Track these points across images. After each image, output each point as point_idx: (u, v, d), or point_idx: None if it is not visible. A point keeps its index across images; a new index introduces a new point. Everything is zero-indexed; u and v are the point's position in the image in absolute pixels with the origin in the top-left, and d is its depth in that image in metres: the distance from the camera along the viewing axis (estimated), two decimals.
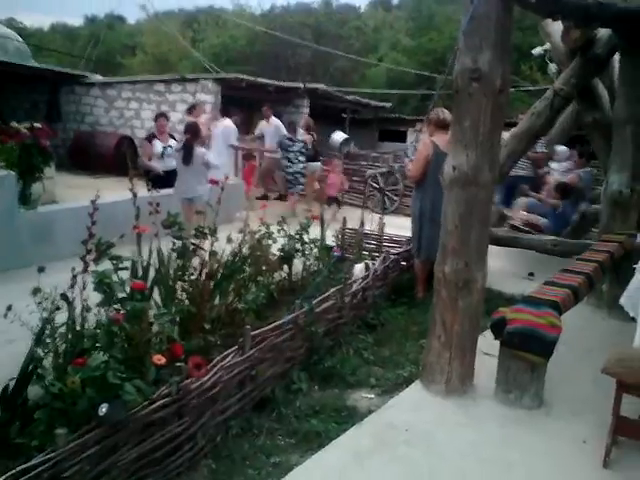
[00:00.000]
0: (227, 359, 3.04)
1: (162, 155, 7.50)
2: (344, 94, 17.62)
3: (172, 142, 7.64)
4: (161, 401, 2.59)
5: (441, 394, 3.50)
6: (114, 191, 6.57)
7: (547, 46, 7.18)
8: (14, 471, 2.06)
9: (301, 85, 15.27)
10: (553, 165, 8.69)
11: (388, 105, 20.30)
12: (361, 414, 3.25)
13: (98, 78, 14.79)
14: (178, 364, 2.79)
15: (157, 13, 27.88)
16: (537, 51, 7.79)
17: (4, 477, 2.02)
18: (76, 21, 44.28)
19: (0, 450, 2.62)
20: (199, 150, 6.48)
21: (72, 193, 8.53)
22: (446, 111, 5.10)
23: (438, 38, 26.43)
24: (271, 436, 3.01)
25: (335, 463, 2.78)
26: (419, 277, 5.32)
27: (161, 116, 7.88)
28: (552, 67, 7.32)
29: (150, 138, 7.68)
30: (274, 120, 11.06)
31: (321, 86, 16.16)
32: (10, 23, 33.67)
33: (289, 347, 3.56)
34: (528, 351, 3.34)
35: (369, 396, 3.52)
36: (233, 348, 3.13)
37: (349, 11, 34.03)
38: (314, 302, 3.83)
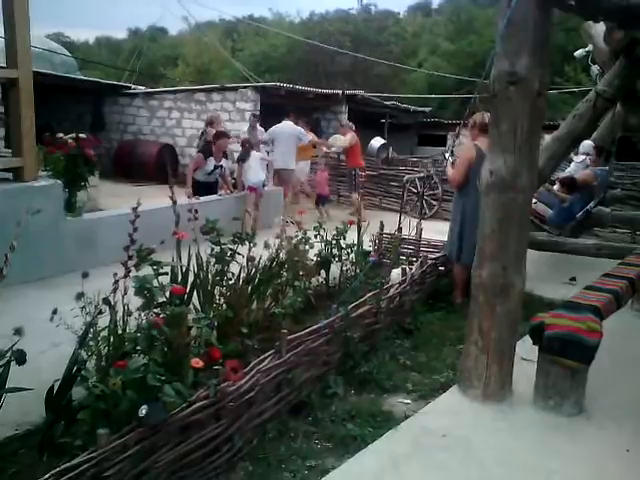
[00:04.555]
0: (264, 363, 3.08)
1: (210, 173, 7.73)
2: (383, 100, 17.62)
3: (224, 162, 7.85)
4: (199, 403, 2.64)
5: (479, 400, 3.46)
6: (155, 198, 6.72)
7: (589, 48, 7.05)
8: (59, 469, 2.13)
9: (340, 92, 15.35)
10: (574, 158, 8.58)
11: (427, 110, 20.20)
12: (398, 419, 3.24)
13: (141, 89, 15.18)
14: (216, 367, 2.84)
15: (198, 24, 28.41)
16: (579, 53, 7.65)
17: (49, 474, 2.09)
18: (120, 34, 45.42)
19: (46, 449, 2.72)
20: (255, 154, 8.56)
21: (115, 201, 8.76)
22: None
23: (478, 41, 26.17)
24: (307, 440, 3.03)
25: (371, 468, 2.78)
26: (458, 282, 5.27)
27: (223, 136, 7.97)
28: (594, 69, 7.18)
29: (206, 154, 7.82)
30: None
31: (360, 92, 16.20)
32: (58, 37, 34.87)
33: (325, 351, 3.58)
34: (568, 357, 3.28)
35: (405, 401, 3.51)
36: (270, 352, 3.16)
37: (388, 17, 33.97)
38: (350, 307, 3.84)
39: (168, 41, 41.17)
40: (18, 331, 2.67)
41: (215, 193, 8.00)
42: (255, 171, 8.28)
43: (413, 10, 39.91)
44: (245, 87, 13.07)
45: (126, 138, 14.37)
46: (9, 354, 2.66)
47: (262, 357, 3.11)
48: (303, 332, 3.41)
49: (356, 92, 16.07)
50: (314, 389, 3.43)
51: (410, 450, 2.94)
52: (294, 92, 13.71)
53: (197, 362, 2.76)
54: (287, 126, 9.63)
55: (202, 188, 7.54)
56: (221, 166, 7.86)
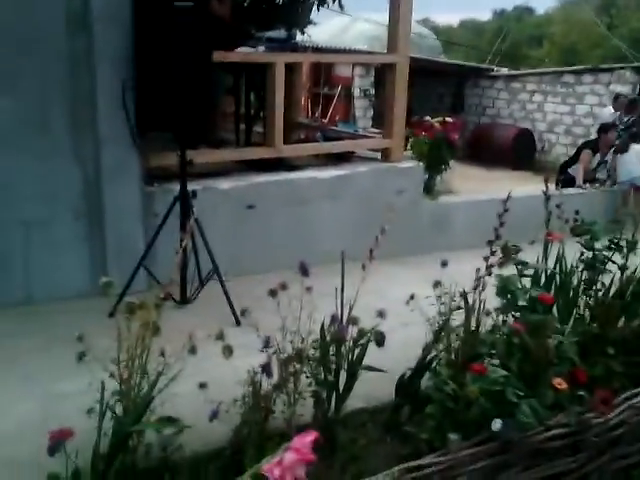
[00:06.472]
0: (638, 397, 2.60)
1: (593, 170, 7.15)
2: None
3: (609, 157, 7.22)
4: (558, 430, 2.35)
5: None
6: (509, 186, 6.43)
7: None
8: (409, 465, 2.10)
9: None
10: None
11: None
12: None
13: (503, 71, 14.86)
14: (580, 392, 2.49)
15: (568, 1, 26.58)
16: None
17: (402, 468, 2.07)
18: (484, 16, 45.48)
19: (391, 430, 2.75)
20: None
21: (467, 185, 8.72)
22: None
23: None
24: None
25: None
26: None
27: (608, 131, 7.37)
28: None
29: (594, 149, 7.33)
30: None
31: None
32: (425, 22, 36.65)
33: None
34: None
35: None
36: None
37: None
38: None
39: (534, 20, 39.57)
40: (381, 314, 2.73)
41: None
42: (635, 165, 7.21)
43: None
44: (623, 67, 11.68)
45: (483, 121, 14.28)
46: (370, 335, 2.74)
47: (636, 391, 2.63)
48: None
49: None
50: None
51: None
52: None
53: (560, 383, 2.45)
54: None
55: (569, 183, 6.96)
56: (606, 162, 7.14)
